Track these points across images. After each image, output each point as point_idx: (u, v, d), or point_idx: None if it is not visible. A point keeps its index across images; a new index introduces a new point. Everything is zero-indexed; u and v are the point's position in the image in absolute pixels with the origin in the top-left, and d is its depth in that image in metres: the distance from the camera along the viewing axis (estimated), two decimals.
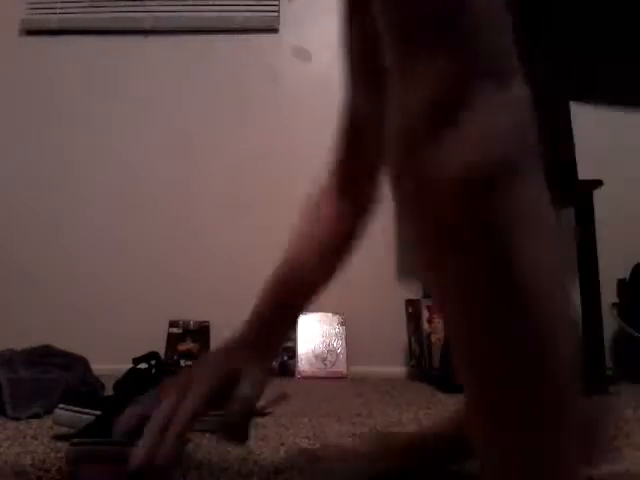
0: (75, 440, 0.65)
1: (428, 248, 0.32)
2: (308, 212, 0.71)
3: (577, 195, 1.70)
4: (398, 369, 1.91)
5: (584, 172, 1.57)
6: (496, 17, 0.29)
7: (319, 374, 1.88)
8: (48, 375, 1.12)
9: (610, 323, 1.85)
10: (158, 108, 2.17)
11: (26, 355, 1.17)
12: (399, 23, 0.29)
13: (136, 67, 2.19)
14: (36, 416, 1.01)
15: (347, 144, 0.67)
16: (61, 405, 0.87)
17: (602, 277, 1.63)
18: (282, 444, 0.84)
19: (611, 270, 1.80)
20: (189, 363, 1.87)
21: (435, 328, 1.66)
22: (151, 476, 0.56)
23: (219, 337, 1.95)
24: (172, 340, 1.94)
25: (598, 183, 1.71)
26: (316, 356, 1.93)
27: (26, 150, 2.16)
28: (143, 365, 0.87)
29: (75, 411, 0.86)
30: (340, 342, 1.94)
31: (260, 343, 0.65)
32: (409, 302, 1.84)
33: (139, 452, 0.49)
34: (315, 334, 1.96)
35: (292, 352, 1.93)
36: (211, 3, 2.18)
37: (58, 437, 0.86)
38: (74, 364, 1.19)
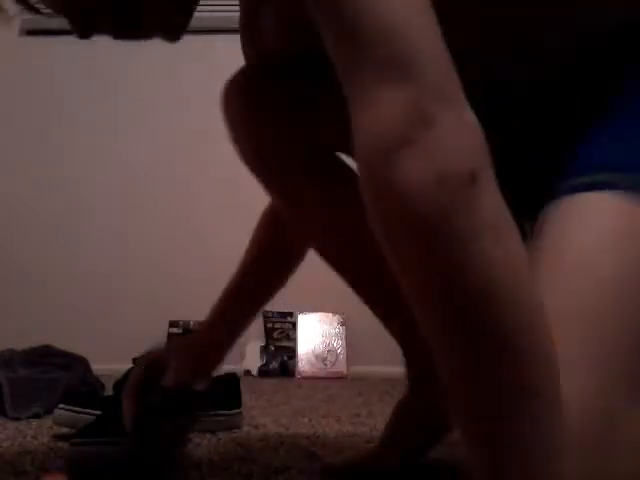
0: (75, 440, 0.66)
1: (396, 247, 0.34)
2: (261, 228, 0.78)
3: None
4: (398, 369, 1.90)
5: None
6: (441, 55, 0.33)
7: (319, 374, 1.88)
8: (48, 375, 1.12)
9: None
10: (158, 108, 2.16)
11: (26, 355, 1.17)
12: (359, 63, 0.33)
13: (136, 67, 2.19)
14: (36, 416, 1.01)
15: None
16: (61, 405, 0.87)
17: None
18: (282, 444, 0.84)
19: None
20: None
21: None
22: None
23: None
24: (172, 340, 1.94)
25: None
26: (316, 356, 1.93)
27: (26, 150, 2.16)
28: None
29: (75, 411, 0.86)
30: (340, 342, 1.94)
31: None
32: None
33: None
34: (315, 334, 1.96)
35: (292, 352, 1.93)
36: (211, 3, 2.17)
37: (58, 437, 0.86)
38: (74, 364, 1.19)
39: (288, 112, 0.61)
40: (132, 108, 2.17)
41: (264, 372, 1.88)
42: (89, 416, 0.82)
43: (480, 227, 0.31)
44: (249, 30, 0.66)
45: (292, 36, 0.59)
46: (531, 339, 0.32)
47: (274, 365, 1.90)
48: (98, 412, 0.78)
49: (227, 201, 2.05)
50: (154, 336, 1.88)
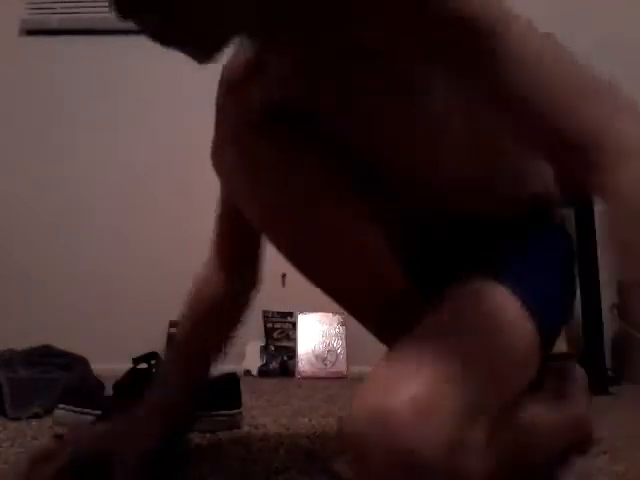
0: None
1: None
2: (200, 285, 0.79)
3: (577, 195, 1.70)
4: None
5: None
6: None
7: (319, 374, 1.88)
8: (48, 375, 1.12)
9: (610, 323, 1.85)
10: (158, 108, 2.17)
11: (26, 355, 1.17)
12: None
13: (136, 67, 2.19)
14: (36, 416, 1.01)
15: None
16: (61, 405, 0.87)
17: (602, 277, 1.63)
18: (282, 444, 0.84)
19: (611, 270, 1.80)
20: None
21: None
22: None
23: None
24: (172, 340, 1.94)
25: None
26: (316, 356, 1.93)
27: (26, 150, 2.16)
28: (143, 365, 0.87)
29: (75, 411, 0.86)
30: (340, 342, 1.94)
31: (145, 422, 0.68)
32: None
33: None
34: (315, 334, 1.96)
35: (292, 352, 1.93)
36: None
37: (58, 437, 0.86)
38: (74, 364, 1.19)
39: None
40: (132, 108, 2.17)
41: (264, 372, 1.87)
42: (89, 416, 0.82)
43: None
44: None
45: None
46: None
47: (274, 365, 1.90)
48: (98, 412, 0.78)
49: None
50: (154, 336, 1.88)
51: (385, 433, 0.39)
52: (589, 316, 1.57)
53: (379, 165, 0.60)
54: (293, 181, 0.58)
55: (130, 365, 0.89)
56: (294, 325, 1.98)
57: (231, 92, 0.67)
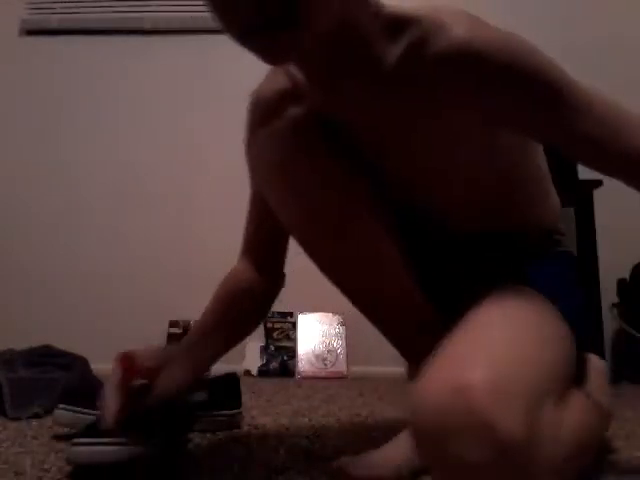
0: (75, 440, 0.65)
1: None
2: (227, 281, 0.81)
3: (577, 195, 1.71)
4: (398, 369, 1.90)
5: (584, 172, 1.56)
6: None
7: (319, 374, 1.88)
8: (48, 375, 1.11)
9: (610, 323, 1.85)
10: (158, 108, 2.17)
11: (26, 355, 1.17)
12: None
13: (136, 67, 2.19)
14: (36, 416, 1.01)
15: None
16: (61, 405, 0.87)
17: (602, 277, 1.63)
18: (282, 444, 0.84)
19: (611, 270, 1.80)
20: None
21: None
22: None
23: None
24: (172, 340, 1.94)
25: (598, 183, 1.71)
26: (316, 356, 1.93)
27: (26, 150, 2.16)
28: None
29: (75, 411, 0.86)
30: (340, 342, 1.94)
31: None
32: None
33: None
34: (315, 334, 1.96)
35: (292, 352, 1.93)
36: None
37: (58, 437, 0.86)
38: (74, 364, 1.19)
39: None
40: (132, 108, 2.17)
41: (264, 372, 1.88)
42: (89, 416, 0.82)
43: None
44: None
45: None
46: None
47: (274, 365, 1.90)
48: (98, 412, 0.78)
49: (227, 201, 2.05)
50: (154, 336, 1.88)
51: (466, 407, 0.39)
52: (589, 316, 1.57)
53: (406, 185, 0.65)
54: (329, 189, 0.63)
55: None
56: (294, 325, 1.98)
57: (276, 100, 0.69)
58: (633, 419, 1.06)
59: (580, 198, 1.70)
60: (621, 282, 1.88)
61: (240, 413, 0.99)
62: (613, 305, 1.87)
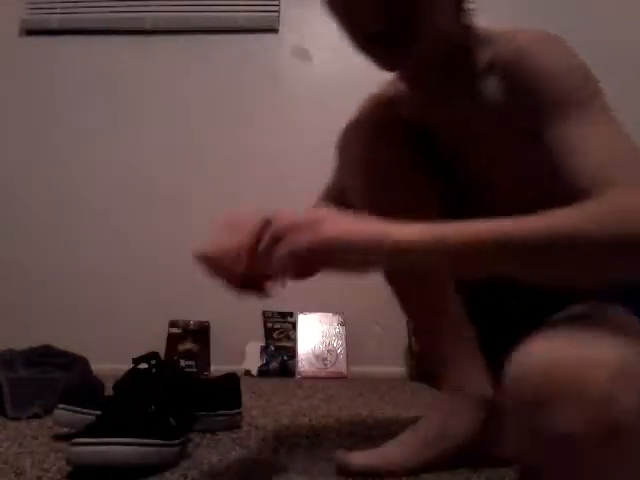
0: (75, 440, 0.66)
1: None
2: None
3: None
4: (398, 369, 1.91)
5: None
6: None
7: (319, 374, 1.88)
8: (48, 375, 1.12)
9: None
10: (158, 108, 2.16)
11: (26, 355, 1.17)
12: None
13: (136, 67, 2.19)
14: (36, 416, 1.01)
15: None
16: (61, 405, 0.87)
17: None
18: (282, 444, 0.84)
19: None
20: (189, 363, 1.88)
21: None
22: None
23: (219, 337, 1.95)
24: (172, 340, 1.94)
25: None
26: (316, 356, 1.93)
27: (26, 150, 2.16)
28: (143, 365, 0.87)
29: (75, 411, 0.86)
30: (340, 342, 1.94)
31: None
32: None
33: None
34: (315, 334, 1.96)
35: (292, 352, 1.93)
36: (211, 3, 2.18)
37: (58, 437, 0.86)
38: (74, 364, 1.19)
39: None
40: (132, 108, 2.17)
41: (264, 372, 1.87)
42: (89, 416, 0.82)
43: None
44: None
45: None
46: None
47: (274, 365, 1.90)
48: (98, 412, 0.78)
49: (227, 201, 2.05)
50: (154, 336, 1.88)
51: (586, 379, 0.38)
52: None
53: (476, 195, 0.71)
54: (406, 186, 0.71)
55: (130, 365, 0.88)
56: (294, 325, 1.98)
57: (380, 104, 0.80)
58: None
59: None
60: None
61: (240, 413, 0.99)
62: None
